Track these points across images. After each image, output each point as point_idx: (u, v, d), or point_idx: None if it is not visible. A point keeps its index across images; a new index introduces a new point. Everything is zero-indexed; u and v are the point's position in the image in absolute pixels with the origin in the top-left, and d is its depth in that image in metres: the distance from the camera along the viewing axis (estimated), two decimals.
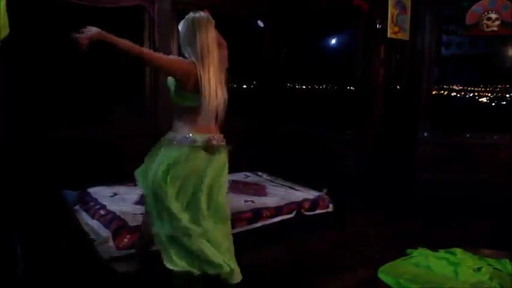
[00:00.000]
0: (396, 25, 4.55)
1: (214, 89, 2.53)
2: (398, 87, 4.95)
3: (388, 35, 4.51)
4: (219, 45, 2.63)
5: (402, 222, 4.14)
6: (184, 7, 4.41)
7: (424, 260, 3.25)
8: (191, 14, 2.56)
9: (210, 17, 2.57)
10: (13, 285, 2.69)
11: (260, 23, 5.60)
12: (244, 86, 6.73)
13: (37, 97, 4.28)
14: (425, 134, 4.83)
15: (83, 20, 4.32)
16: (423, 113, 4.86)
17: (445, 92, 5.74)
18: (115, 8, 4.26)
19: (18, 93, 3.98)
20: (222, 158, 2.65)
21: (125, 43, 2.36)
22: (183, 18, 2.60)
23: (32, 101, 4.20)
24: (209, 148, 2.56)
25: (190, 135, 2.54)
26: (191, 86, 2.49)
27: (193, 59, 2.51)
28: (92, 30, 2.26)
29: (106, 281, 2.87)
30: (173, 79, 2.55)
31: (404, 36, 4.63)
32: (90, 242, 3.25)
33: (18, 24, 2.30)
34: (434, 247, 3.42)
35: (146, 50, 2.50)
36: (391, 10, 4.49)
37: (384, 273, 3.09)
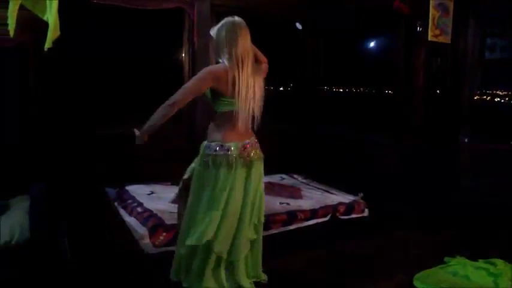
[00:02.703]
0: (437, 28, 4.45)
1: (252, 92, 2.55)
2: (438, 91, 4.85)
3: (429, 38, 4.41)
4: (260, 61, 2.69)
5: (439, 228, 4.04)
6: (222, 9, 4.48)
7: (462, 269, 3.17)
8: (230, 18, 2.58)
9: (244, 23, 2.60)
10: (61, 273, 2.80)
11: (298, 25, 5.59)
12: (281, 89, 6.73)
13: (85, 97, 4.43)
14: (466, 140, 4.71)
15: (124, 22, 4.48)
16: (464, 118, 4.74)
17: (488, 97, 5.56)
18: (155, 10, 4.35)
19: (67, 94, 4.14)
20: (257, 170, 2.71)
21: (158, 118, 2.52)
22: (221, 20, 2.64)
23: (80, 102, 4.36)
24: (243, 158, 2.61)
25: (225, 144, 2.58)
26: (226, 91, 2.52)
27: (227, 63, 2.53)
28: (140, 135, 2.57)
29: (145, 272, 2.95)
30: (210, 89, 2.59)
31: (445, 39, 4.52)
32: (132, 236, 3.35)
33: (62, 28, 2.39)
34: (472, 256, 3.33)
35: (172, 101, 2.51)
36: (433, 12, 4.39)
37: (420, 281, 3.03)
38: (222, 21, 2.59)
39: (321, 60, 6.07)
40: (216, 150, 2.57)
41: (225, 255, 2.64)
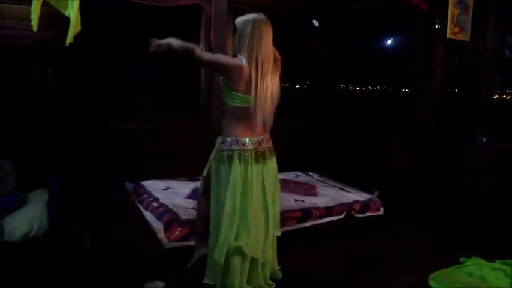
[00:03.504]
0: (457, 25, 4.39)
1: (270, 93, 2.55)
2: (456, 90, 4.79)
3: (448, 36, 4.35)
4: (274, 59, 2.65)
5: (454, 228, 4.01)
6: (239, 6, 4.49)
7: (478, 270, 3.13)
8: (256, 16, 2.55)
9: (268, 20, 2.58)
10: (80, 264, 2.86)
11: (315, 23, 5.57)
12: (297, 86, 6.72)
13: (98, 93, 4.49)
14: (484, 139, 4.65)
15: (141, 18, 4.51)
16: (482, 117, 4.67)
17: (508, 97, 5.47)
18: (173, 7, 4.37)
19: (81, 89, 4.20)
20: (272, 165, 2.72)
21: (184, 47, 2.49)
22: (238, 16, 2.63)
23: (94, 97, 4.41)
24: (258, 152, 2.61)
25: (240, 138, 2.58)
26: (242, 86, 2.52)
27: (245, 60, 2.52)
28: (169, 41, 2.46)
29: (163, 264, 3.00)
30: (223, 79, 2.60)
31: (464, 37, 4.45)
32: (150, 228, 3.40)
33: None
34: (488, 257, 3.28)
35: (200, 53, 2.55)
36: (452, 10, 4.33)
37: (435, 281, 3.00)
38: (248, 16, 2.56)
39: (336, 58, 6.05)
40: (231, 145, 2.58)
41: (260, 257, 2.64)
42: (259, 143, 2.62)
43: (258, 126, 2.60)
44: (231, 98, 2.58)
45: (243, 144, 2.57)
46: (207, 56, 2.61)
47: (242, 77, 2.50)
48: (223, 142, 2.62)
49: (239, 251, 2.54)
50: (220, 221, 2.55)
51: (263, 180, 2.64)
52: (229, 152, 2.57)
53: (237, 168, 2.54)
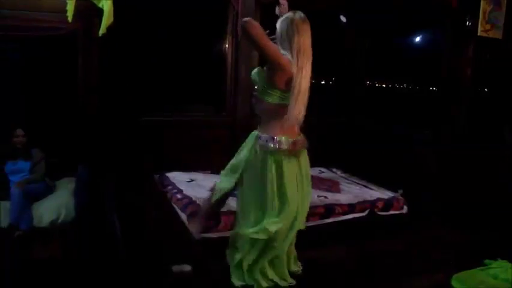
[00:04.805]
0: (488, 22, 4.29)
1: (306, 90, 2.53)
2: (486, 89, 4.69)
3: (479, 33, 4.26)
4: None
5: (480, 229, 3.93)
6: (267, 1, 4.47)
7: (503, 272, 3.08)
8: (291, 14, 2.56)
9: (307, 19, 2.57)
10: (114, 261, 2.92)
11: (343, 18, 5.52)
12: (323, 82, 6.69)
13: (128, 85, 4.55)
14: None
15: (167, 12, 4.54)
16: None
17: None
18: (201, 1, 4.39)
19: (111, 80, 4.26)
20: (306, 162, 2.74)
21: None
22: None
23: (124, 88, 4.48)
24: (293, 151, 2.62)
25: (277, 137, 2.58)
26: (283, 84, 2.51)
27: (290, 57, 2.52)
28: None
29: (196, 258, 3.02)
30: (260, 74, 2.60)
31: (497, 34, 4.34)
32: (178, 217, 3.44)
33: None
34: None
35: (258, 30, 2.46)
36: (484, 6, 4.23)
37: (458, 281, 2.97)
38: (287, 14, 2.57)
39: (364, 55, 5.98)
40: (266, 142, 2.58)
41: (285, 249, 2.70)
42: (295, 144, 2.63)
43: (294, 124, 2.59)
44: (270, 96, 2.57)
45: (280, 143, 2.57)
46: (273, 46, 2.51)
47: (286, 72, 2.48)
48: (259, 138, 2.62)
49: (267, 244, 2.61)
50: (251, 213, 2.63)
51: (298, 176, 2.67)
52: (265, 148, 2.58)
53: (272, 165, 2.57)
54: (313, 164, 4.86)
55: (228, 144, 4.46)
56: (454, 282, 2.97)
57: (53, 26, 3.69)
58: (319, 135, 5.17)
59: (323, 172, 5.02)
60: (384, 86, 7.04)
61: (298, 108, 2.51)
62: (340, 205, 3.80)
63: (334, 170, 5.13)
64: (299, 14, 2.55)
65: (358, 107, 5.85)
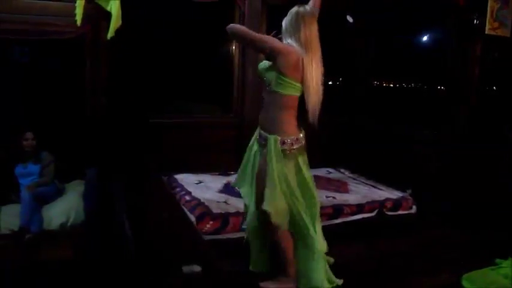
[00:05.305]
0: (496, 20, 4.25)
1: (318, 82, 2.56)
2: (494, 87, 4.66)
3: (486, 31, 4.22)
4: None
5: (489, 229, 3.90)
6: (274, 2, 4.48)
7: None
8: (296, 8, 2.58)
9: (315, 12, 2.60)
10: (124, 262, 2.93)
11: (349, 18, 5.50)
12: (330, 82, 6.67)
13: (136, 87, 4.58)
14: None
15: (174, 11, 4.55)
16: None
17: None
18: (207, 2, 4.40)
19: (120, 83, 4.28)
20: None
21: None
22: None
23: (132, 91, 4.50)
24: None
25: (299, 135, 2.64)
26: (291, 70, 2.50)
27: (295, 45, 2.54)
28: None
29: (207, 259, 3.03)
30: (270, 68, 2.58)
31: (504, 32, 4.31)
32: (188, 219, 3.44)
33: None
34: None
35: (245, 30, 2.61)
36: (491, 4, 4.19)
37: (469, 281, 2.95)
38: (294, 9, 2.60)
39: (371, 55, 5.97)
40: (293, 144, 2.60)
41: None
42: (299, 140, 2.66)
43: (313, 117, 2.60)
44: (284, 88, 2.54)
45: (301, 141, 2.64)
46: (261, 35, 2.63)
47: (291, 59, 2.49)
48: (284, 143, 2.59)
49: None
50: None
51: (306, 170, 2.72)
52: (292, 150, 2.61)
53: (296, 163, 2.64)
54: (321, 165, 4.92)
55: (235, 146, 4.47)
56: (464, 282, 2.95)
57: (61, 30, 3.72)
58: (326, 136, 5.18)
59: (331, 173, 5.01)
60: (392, 85, 7.01)
61: (313, 100, 2.55)
62: (349, 205, 3.80)
63: (342, 170, 5.12)
64: (305, 7, 2.58)
65: (365, 107, 5.83)
